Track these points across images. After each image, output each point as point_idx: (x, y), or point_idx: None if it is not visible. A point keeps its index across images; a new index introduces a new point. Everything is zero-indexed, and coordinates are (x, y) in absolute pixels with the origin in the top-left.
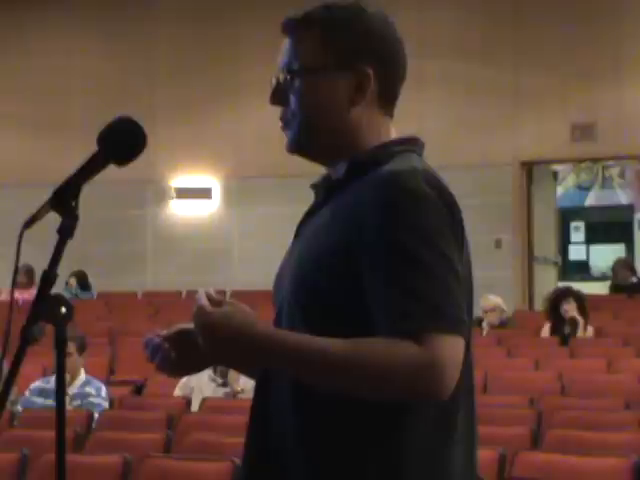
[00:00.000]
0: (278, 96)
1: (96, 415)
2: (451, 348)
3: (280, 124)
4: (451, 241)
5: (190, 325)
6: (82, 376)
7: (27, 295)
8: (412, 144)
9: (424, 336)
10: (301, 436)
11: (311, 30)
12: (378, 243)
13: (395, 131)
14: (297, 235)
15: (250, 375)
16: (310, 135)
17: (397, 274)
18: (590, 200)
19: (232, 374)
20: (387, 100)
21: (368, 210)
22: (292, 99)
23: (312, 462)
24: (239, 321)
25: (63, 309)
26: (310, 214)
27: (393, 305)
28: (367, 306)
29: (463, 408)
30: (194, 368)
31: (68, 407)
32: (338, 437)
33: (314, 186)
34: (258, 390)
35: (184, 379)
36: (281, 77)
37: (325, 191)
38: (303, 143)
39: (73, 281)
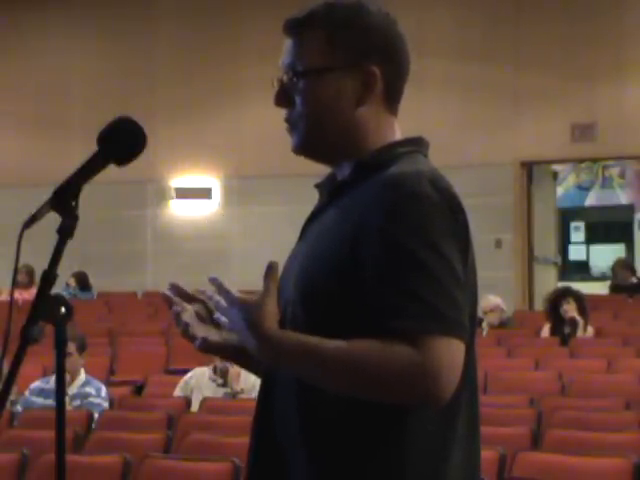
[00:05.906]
0: (283, 98)
1: (96, 415)
2: (448, 351)
3: (286, 126)
4: (453, 244)
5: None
6: (82, 376)
7: (27, 295)
8: (417, 144)
9: (420, 338)
10: (304, 435)
11: (315, 30)
12: (380, 245)
13: (399, 130)
14: (302, 237)
15: (250, 369)
16: (317, 136)
17: (397, 275)
18: (590, 200)
19: (232, 374)
20: (393, 98)
21: (372, 213)
22: (298, 100)
23: (315, 461)
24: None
25: (63, 309)
26: (315, 215)
27: (391, 305)
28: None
29: (466, 408)
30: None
31: (68, 407)
32: (341, 437)
33: (318, 186)
34: (263, 389)
35: (184, 379)
36: (285, 78)
37: (330, 192)
38: (310, 144)
39: (73, 281)
